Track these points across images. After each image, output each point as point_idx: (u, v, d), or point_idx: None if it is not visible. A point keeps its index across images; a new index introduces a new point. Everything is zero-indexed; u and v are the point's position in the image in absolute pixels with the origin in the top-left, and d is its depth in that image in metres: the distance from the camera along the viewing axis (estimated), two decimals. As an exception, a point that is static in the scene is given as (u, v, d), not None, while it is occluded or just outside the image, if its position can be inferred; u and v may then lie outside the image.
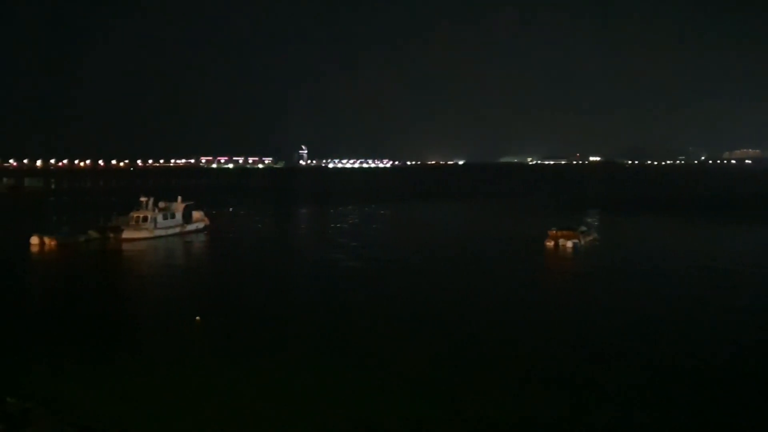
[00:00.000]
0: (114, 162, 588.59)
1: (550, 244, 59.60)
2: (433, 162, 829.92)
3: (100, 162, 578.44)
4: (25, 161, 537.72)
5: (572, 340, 30.46)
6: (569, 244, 58.84)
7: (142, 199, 71.13)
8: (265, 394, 23.35)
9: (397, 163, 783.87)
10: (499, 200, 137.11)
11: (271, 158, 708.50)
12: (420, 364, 26.69)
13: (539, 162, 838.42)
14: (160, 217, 69.79)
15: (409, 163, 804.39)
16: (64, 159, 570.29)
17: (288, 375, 25.31)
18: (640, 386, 24.28)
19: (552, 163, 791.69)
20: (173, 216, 72.06)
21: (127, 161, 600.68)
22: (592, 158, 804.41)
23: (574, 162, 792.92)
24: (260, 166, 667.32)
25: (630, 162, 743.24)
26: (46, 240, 61.53)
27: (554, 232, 60.95)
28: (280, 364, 26.67)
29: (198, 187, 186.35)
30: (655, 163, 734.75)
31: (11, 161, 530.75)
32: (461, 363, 27.00)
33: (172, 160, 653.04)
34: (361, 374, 25.48)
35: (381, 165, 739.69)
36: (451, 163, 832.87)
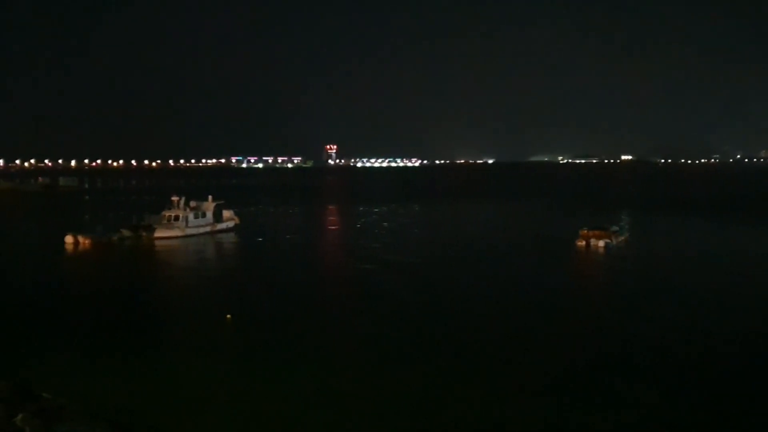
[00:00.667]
0: (146, 162, 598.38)
1: (581, 243, 58.80)
2: (463, 161, 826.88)
3: (133, 162, 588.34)
4: (60, 161, 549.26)
5: (603, 345, 29.91)
6: (601, 243, 58.00)
7: (174, 198, 72.03)
8: (295, 394, 23.33)
9: (425, 162, 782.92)
10: (529, 199, 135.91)
11: (300, 157, 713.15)
12: (450, 366, 26.44)
13: (570, 161, 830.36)
14: (191, 216, 70.58)
15: (438, 162, 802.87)
16: (98, 159, 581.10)
17: (320, 375, 25.25)
18: (677, 398, 23.69)
19: (583, 161, 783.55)
20: (204, 215, 72.82)
21: (159, 161, 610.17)
22: (623, 157, 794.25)
23: (606, 161, 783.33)
24: (289, 165, 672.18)
25: (663, 161, 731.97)
26: (81, 239, 62.58)
27: (585, 231, 60.12)
28: (311, 363, 26.65)
29: (228, 187, 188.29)
30: (689, 161, 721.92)
31: (46, 161, 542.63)
32: (487, 366, 26.66)
33: (203, 160, 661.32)
34: (393, 376, 25.30)
35: (410, 164, 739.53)
36: (481, 162, 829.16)
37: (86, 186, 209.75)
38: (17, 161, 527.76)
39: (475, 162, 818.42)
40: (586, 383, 24.20)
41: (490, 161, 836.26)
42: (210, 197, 76.26)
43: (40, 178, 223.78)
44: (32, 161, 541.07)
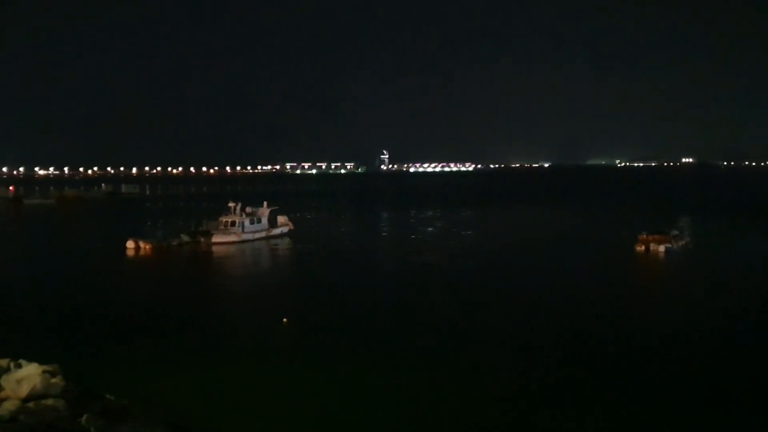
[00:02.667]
0: (204, 169, 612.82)
1: (641, 248, 57.27)
2: (517, 165, 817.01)
3: (191, 169, 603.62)
4: (122, 168, 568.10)
5: (665, 355, 29.02)
6: (661, 248, 56.34)
7: (231, 204, 73.47)
8: (350, 397, 23.42)
9: (479, 166, 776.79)
10: (586, 203, 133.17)
11: (352, 163, 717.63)
12: (512, 373, 26.09)
13: (628, 164, 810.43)
14: (247, 222, 71.87)
15: (492, 166, 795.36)
16: (158, 166, 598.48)
17: (375, 379, 25.29)
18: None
19: (642, 165, 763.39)
20: (259, 221, 74.03)
21: (216, 168, 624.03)
22: (684, 160, 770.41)
23: (665, 164, 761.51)
24: (342, 171, 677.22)
25: (726, 163, 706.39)
26: (142, 243, 64.45)
27: (645, 236, 58.51)
28: (366, 367, 26.71)
29: (283, 193, 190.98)
30: (753, 164, 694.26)
31: (109, 168, 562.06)
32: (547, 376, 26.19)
33: (259, 167, 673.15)
34: (450, 379, 25.12)
35: (463, 168, 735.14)
36: (536, 165, 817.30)
37: (147, 192, 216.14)
38: (81, 169, 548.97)
39: (530, 166, 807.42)
40: (661, 396, 23.51)
41: (546, 165, 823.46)
42: (265, 203, 77.48)
43: (103, 185, 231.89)
44: (96, 169, 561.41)
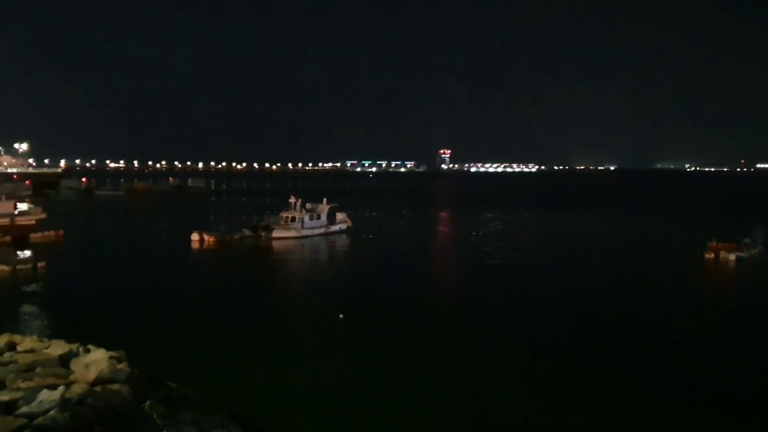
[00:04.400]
0: (267, 165, 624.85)
1: (710, 256, 55.13)
2: (582, 167, 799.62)
3: (255, 165, 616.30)
4: (189, 163, 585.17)
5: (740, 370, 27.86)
6: (732, 257, 54.08)
7: (291, 200, 74.57)
8: (403, 392, 23.41)
9: (543, 167, 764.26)
10: (652, 208, 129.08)
11: (413, 162, 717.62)
12: (568, 378, 25.60)
13: (698, 168, 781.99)
14: (306, 218, 72.81)
15: (556, 168, 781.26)
16: (223, 162, 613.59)
17: (428, 375, 25.23)
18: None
19: (713, 170, 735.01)
20: (319, 217, 74.87)
21: (278, 164, 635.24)
22: (759, 165, 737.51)
23: (738, 169, 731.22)
24: (402, 169, 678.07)
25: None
26: (206, 236, 66.14)
27: (715, 243, 56.27)
28: (420, 364, 26.67)
29: (342, 190, 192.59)
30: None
31: (176, 162, 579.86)
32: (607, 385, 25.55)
33: (320, 164, 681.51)
34: (506, 381, 24.84)
35: (526, 169, 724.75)
36: (602, 168, 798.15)
37: (212, 187, 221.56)
38: (150, 162, 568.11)
39: (595, 168, 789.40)
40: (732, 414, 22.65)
41: (612, 168, 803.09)
42: (324, 200, 78.30)
43: (171, 179, 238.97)
44: (164, 162, 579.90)
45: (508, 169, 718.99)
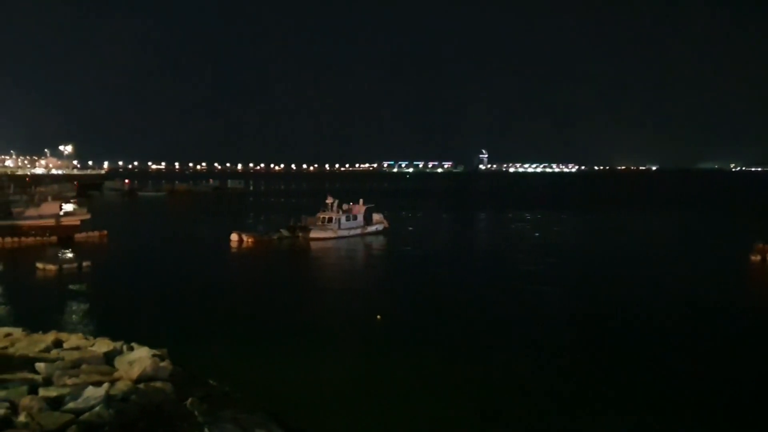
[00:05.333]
0: (304, 166, 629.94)
1: (756, 258, 53.63)
2: (623, 167, 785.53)
3: (293, 166, 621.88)
4: (228, 164, 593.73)
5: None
6: (780, 259, 52.54)
7: (328, 201, 75.01)
8: (443, 395, 23.35)
9: (583, 167, 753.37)
10: (696, 209, 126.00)
11: (450, 162, 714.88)
12: (608, 383, 25.23)
13: (744, 168, 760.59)
14: (343, 219, 73.17)
15: (596, 168, 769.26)
16: (261, 163, 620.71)
17: (468, 379, 25.12)
18: None
19: (759, 170, 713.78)
20: (355, 218, 75.14)
21: (315, 165, 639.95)
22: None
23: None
24: (439, 170, 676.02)
25: None
26: (244, 237, 67.04)
27: (762, 245, 54.70)
28: (460, 366, 26.57)
29: (379, 191, 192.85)
30: None
31: (216, 164, 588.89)
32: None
33: (357, 164, 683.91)
34: (545, 384, 24.61)
35: (566, 170, 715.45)
36: (643, 168, 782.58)
37: (251, 188, 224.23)
38: (190, 164, 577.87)
39: (636, 168, 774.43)
40: None
41: (654, 168, 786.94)
42: (361, 201, 78.51)
43: (211, 180, 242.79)
44: (204, 164, 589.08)
45: (548, 170, 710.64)
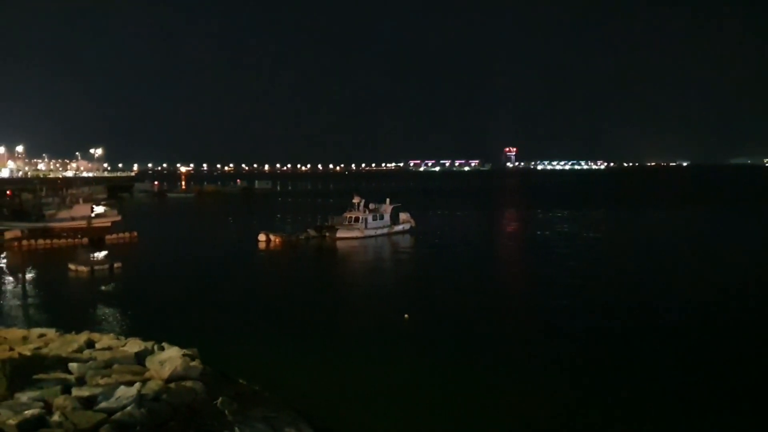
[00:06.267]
0: (331, 166, 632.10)
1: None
2: (653, 163, 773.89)
3: (319, 166, 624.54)
4: (255, 165, 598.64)
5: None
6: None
7: (355, 200, 75.07)
8: (471, 394, 23.17)
9: (612, 164, 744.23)
10: (729, 207, 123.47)
11: (477, 161, 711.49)
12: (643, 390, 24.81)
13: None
14: (370, 218, 73.16)
15: (625, 164, 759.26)
16: (288, 164, 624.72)
17: (497, 378, 24.91)
18: None
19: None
20: (382, 217, 75.08)
21: (342, 165, 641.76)
22: None
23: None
24: (466, 168, 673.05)
25: None
26: (272, 237, 67.44)
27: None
28: (489, 366, 26.38)
29: (405, 190, 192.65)
30: None
31: (243, 165, 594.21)
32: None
33: (383, 164, 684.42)
34: (578, 391, 24.28)
35: (594, 167, 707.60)
36: (674, 164, 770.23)
37: (278, 188, 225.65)
38: (218, 165, 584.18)
39: (667, 165, 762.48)
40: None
41: (685, 164, 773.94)
42: (388, 200, 78.41)
43: (239, 181, 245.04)
44: (232, 165, 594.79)
45: (576, 167, 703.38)
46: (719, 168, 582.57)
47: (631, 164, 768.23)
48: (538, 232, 79.35)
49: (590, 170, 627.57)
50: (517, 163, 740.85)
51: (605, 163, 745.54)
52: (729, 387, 23.90)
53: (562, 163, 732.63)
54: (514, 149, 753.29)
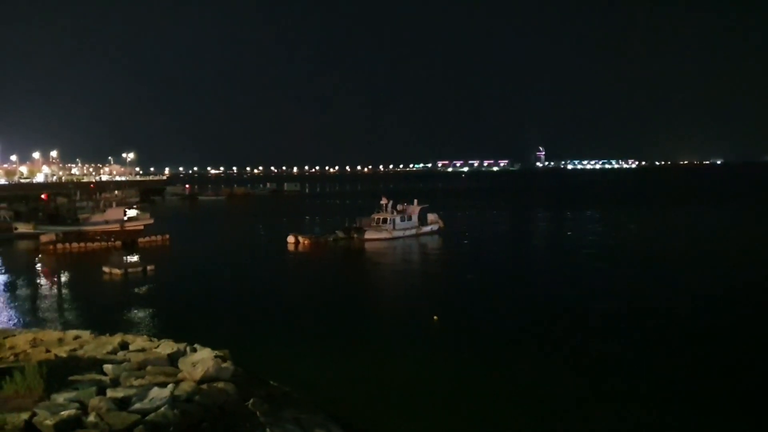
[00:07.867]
0: (359, 167, 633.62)
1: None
2: (686, 162, 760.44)
3: (347, 168, 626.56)
4: (284, 168, 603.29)
5: None
6: None
7: (383, 201, 75.11)
8: (501, 395, 23.00)
9: (644, 163, 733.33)
10: (763, 206, 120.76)
11: (506, 161, 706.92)
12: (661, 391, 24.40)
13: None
14: (398, 219, 73.12)
15: (657, 163, 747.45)
16: (317, 166, 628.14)
17: (526, 379, 24.69)
18: None
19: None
20: (410, 218, 75.00)
21: (370, 167, 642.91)
22: None
23: None
24: (495, 168, 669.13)
25: None
26: (301, 238, 67.87)
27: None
28: (518, 366, 26.16)
29: (434, 191, 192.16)
30: None
31: (272, 168, 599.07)
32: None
33: (411, 165, 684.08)
34: (600, 386, 23.97)
35: (625, 166, 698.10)
36: (707, 163, 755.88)
37: (307, 190, 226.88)
38: (248, 168, 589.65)
39: (700, 163, 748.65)
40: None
41: (719, 162, 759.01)
42: (416, 201, 78.30)
43: (268, 184, 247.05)
44: (261, 168, 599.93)
45: (607, 166, 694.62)
46: (754, 165, 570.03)
47: (663, 163, 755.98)
48: (569, 233, 78.52)
49: (621, 169, 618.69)
50: (546, 163, 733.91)
51: (636, 162, 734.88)
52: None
53: (593, 162, 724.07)
54: (543, 149, 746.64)
